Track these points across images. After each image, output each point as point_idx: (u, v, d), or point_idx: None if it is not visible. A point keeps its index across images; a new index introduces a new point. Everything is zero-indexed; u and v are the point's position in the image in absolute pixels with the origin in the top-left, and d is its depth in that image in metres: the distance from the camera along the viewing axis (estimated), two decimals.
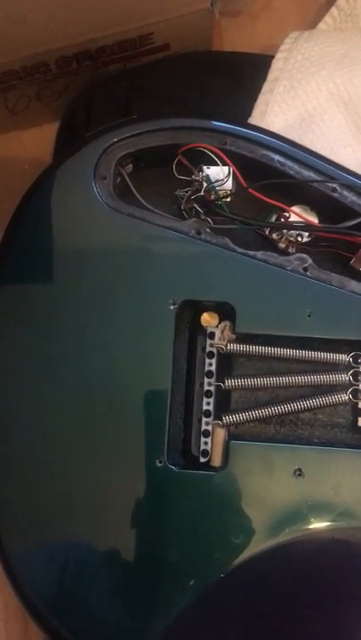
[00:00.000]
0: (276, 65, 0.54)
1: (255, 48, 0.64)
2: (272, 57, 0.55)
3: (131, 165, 0.48)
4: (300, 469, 0.42)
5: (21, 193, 0.47)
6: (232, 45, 0.66)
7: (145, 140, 0.46)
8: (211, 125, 0.45)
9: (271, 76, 0.54)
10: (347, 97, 0.52)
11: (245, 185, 0.45)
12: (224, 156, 0.45)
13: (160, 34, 0.54)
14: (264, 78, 0.54)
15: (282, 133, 0.49)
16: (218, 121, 0.46)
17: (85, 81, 0.58)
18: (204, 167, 0.46)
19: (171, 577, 0.43)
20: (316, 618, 0.43)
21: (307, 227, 0.46)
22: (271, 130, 0.50)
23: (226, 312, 0.45)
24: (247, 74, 0.56)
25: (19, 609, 0.44)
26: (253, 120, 0.53)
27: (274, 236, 0.47)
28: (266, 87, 0.54)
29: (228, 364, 0.46)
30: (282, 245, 0.47)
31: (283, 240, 0.47)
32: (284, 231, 0.47)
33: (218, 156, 0.45)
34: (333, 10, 0.62)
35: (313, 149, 0.48)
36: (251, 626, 0.43)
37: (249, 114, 0.53)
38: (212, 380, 0.45)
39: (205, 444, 0.44)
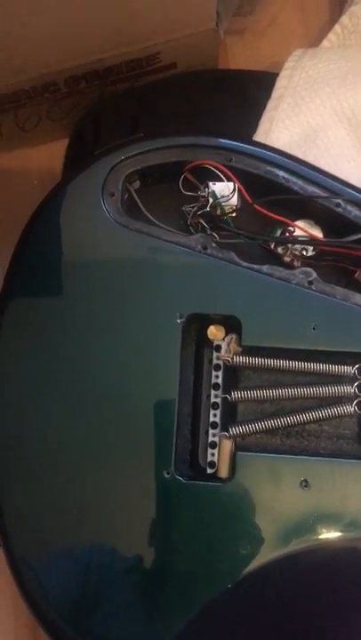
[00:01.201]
0: (281, 82, 0.55)
1: (260, 66, 0.65)
2: (277, 74, 0.56)
3: (138, 182, 0.49)
4: (306, 480, 0.43)
5: (31, 209, 0.48)
6: (237, 63, 0.68)
7: (152, 158, 0.47)
8: (216, 143, 0.46)
9: (276, 93, 0.55)
10: (350, 113, 0.53)
11: (251, 201, 0.46)
12: (229, 173, 0.46)
13: (167, 53, 0.55)
14: (269, 96, 0.55)
15: (286, 149, 0.50)
16: (223, 138, 0.47)
17: (94, 99, 0.59)
18: (210, 183, 0.47)
19: (179, 587, 0.43)
20: (326, 628, 0.44)
21: (311, 241, 0.47)
22: (276, 146, 0.51)
23: (232, 325, 0.45)
24: (252, 91, 0.57)
25: (28, 618, 0.45)
26: (258, 137, 0.54)
27: (279, 250, 0.48)
28: (270, 104, 0.55)
29: (234, 376, 0.47)
30: (287, 259, 0.48)
31: (288, 254, 0.48)
32: (289, 245, 0.48)
33: (223, 173, 0.46)
34: (337, 27, 0.63)
35: (317, 165, 0.49)
36: (259, 636, 0.44)
37: (254, 131, 0.54)
38: (219, 393, 0.46)
39: (212, 455, 0.45)
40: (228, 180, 0.46)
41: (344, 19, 0.63)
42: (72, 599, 0.44)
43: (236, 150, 0.46)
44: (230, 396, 0.45)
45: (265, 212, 0.46)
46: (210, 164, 0.46)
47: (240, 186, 0.46)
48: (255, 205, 0.46)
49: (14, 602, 0.55)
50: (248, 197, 0.46)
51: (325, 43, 0.63)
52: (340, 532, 0.43)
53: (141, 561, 0.43)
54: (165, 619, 0.43)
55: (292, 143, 0.54)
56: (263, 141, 0.53)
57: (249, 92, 0.57)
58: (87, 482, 0.44)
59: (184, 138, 0.47)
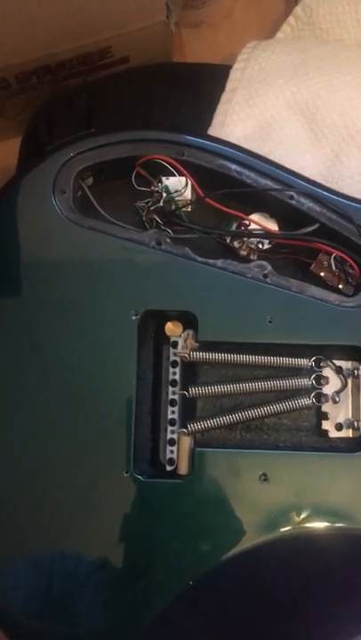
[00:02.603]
0: (234, 75, 0.55)
1: (217, 58, 0.65)
2: (231, 67, 0.56)
3: (91, 178, 0.48)
4: (265, 474, 0.43)
5: None
6: (194, 56, 0.67)
7: (104, 153, 0.47)
8: (168, 137, 0.46)
9: (229, 85, 0.55)
10: (303, 105, 0.53)
11: (202, 194, 0.46)
12: (180, 167, 0.45)
13: (118, 47, 0.55)
14: (223, 88, 0.55)
15: (241, 143, 0.50)
16: (175, 132, 0.46)
17: (46, 95, 0.58)
18: (163, 178, 0.46)
19: (142, 584, 0.43)
20: (283, 619, 0.44)
21: (266, 234, 0.47)
22: (230, 139, 0.51)
23: (189, 321, 0.45)
24: (207, 84, 0.57)
25: None
26: (213, 130, 0.53)
27: (235, 244, 0.48)
28: (224, 97, 0.54)
29: (192, 372, 0.46)
30: (243, 253, 0.48)
31: (244, 248, 0.48)
32: (245, 239, 0.47)
33: (175, 168, 0.46)
34: (291, 18, 0.63)
35: (272, 157, 0.48)
36: (223, 630, 0.44)
37: (209, 124, 0.54)
38: (177, 389, 0.45)
39: (172, 452, 0.45)
40: (180, 174, 0.46)
41: (298, 10, 0.63)
42: (39, 605, 0.43)
43: (188, 144, 0.46)
44: (188, 392, 0.45)
45: (217, 205, 0.46)
46: (161, 159, 0.46)
47: (192, 180, 0.46)
48: (207, 199, 0.46)
49: None
50: (200, 191, 0.46)
51: (280, 34, 0.63)
52: (302, 522, 0.43)
53: (105, 560, 0.43)
54: (130, 616, 0.43)
55: (247, 136, 0.53)
56: (218, 135, 0.53)
57: (203, 86, 0.57)
58: (48, 484, 0.43)
59: (136, 133, 0.46)
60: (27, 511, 0.43)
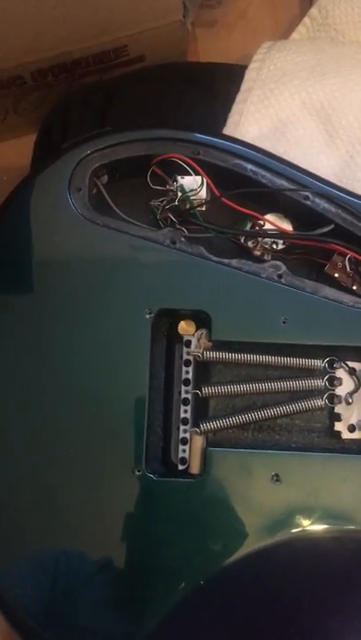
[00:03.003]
0: (250, 75, 0.55)
1: (231, 58, 0.65)
2: (246, 67, 0.56)
3: (106, 176, 0.48)
4: (277, 475, 0.43)
5: None
6: (208, 56, 0.67)
7: (119, 151, 0.47)
8: (183, 136, 0.46)
9: (245, 85, 0.55)
10: (319, 105, 0.53)
11: (218, 194, 0.46)
12: (196, 166, 0.45)
13: (134, 46, 0.55)
14: (238, 88, 0.55)
15: (256, 142, 0.50)
16: (190, 131, 0.46)
17: (62, 93, 0.58)
18: (179, 177, 0.46)
19: (152, 584, 0.43)
20: (305, 618, 0.44)
21: (280, 234, 0.47)
22: (245, 139, 0.50)
23: (202, 320, 0.45)
24: (222, 84, 0.57)
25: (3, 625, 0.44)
26: (228, 130, 0.53)
27: (249, 243, 0.48)
28: (239, 97, 0.54)
29: (205, 371, 0.46)
30: (257, 253, 0.48)
31: (258, 248, 0.48)
32: (259, 239, 0.47)
33: (191, 166, 0.46)
34: (306, 19, 0.63)
35: (287, 157, 0.48)
36: (233, 631, 0.44)
37: (224, 123, 0.54)
38: (190, 388, 0.45)
39: (184, 451, 0.45)
40: (196, 173, 0.46)
41: (313, 11, 0.63)
42: (48, 603, 0.43)
43: (204, 143, 0.46)
44: (201, 391, 0.45)
45: (233, 205, 0.46)
46: (177, 158, 0.46)
47: (208, 179, 0.46)
48: (223, 198, 0.46)
49: None
50: (216, 190, 0.46)
51: (295, 35, 0.63)
52: (313, 524, 0.43)
53: (114, 560, 0.43)
54: (140, 616, 0.43)
55: (262, 136, 0.53)
56: (232, 134, 0.53)
57: (218, 85, 0.57)
58: (58, 482, 0.43)
59: (151, 131, 0.46)
60: (35, 510, 0.43)
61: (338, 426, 0.45)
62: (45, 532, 0.43)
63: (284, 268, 0.45)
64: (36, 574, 0.43)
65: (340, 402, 0.45)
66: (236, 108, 0.54)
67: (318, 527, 0.43)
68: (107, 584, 0.43)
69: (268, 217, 0.47)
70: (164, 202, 0.47)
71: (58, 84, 0.57)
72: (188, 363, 0.46)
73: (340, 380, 0.45)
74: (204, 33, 0.67)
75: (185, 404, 0.45)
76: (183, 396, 0.45)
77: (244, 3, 0.68)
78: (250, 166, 0.46)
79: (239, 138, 0.51)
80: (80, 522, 0.43)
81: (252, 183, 0.46)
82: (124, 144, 0.47)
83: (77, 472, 0.43)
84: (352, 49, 0.59)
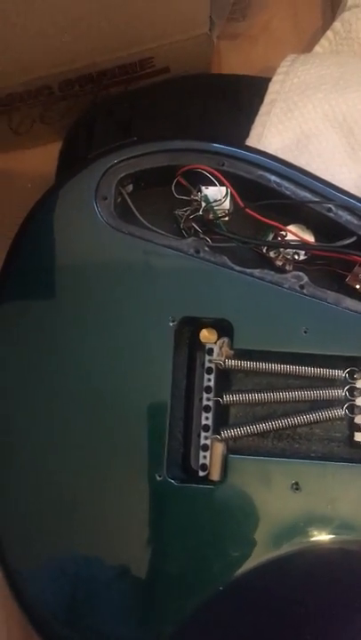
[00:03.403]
0: (273, 87, 0.56)
1: (253, 70, 0.65)
2: (269, 79, 0.56)
3: (131, 185, 0.49)
4: (296, 483, 0.43)
5: (24, 211, 0.48)
6: (231, 68, 0.68)
7: (145, 162, 0.47)
8: (208, 147, 0.47)
9: (268, 98, 0.55)
10: (342, 118, 0.54)
11: (242, 205, 0.46)
12: (221, 177, 0.46)
13: (160, 58, 0.56)
14: (261, 100, 0.56)
15: (279, 154, 0.50)
16: (215, 143, 0.47)
17: (88, 103, 0.59)
18: (203, 187, 0.47)
19: (171, 590, 0.43)
20: (318, 629, 0.44)
21: (303, 245, 0.47)
22: (268, 151, 0.51)
23: (224, 328, 0.46)
24: (245, 96, 0.57)
25: (22, 617, 0.45)
26: (251, 141, 0.54)
27: (271, 254, 0.48)
28: (263, 109, 0.55)
29: (226, 379, 0.47)
30: (279, 263, 0.48)
31: (280, 258, 0.48)
32: (281, 250, 0.48)
33: (216, 177, 0.46)
34: (329, 33, 0.64)
35: (309, 169, 0.49)
36: (253, 637, 0.44)
37: (247, 135, 0.55)
38: (211, 396, 0.46)
39: (204, 457, 0.45)
40: (221, 184, 0.47)
41: (336, 24, 0.64)
42: (67, 606, 0.44)
43: (229, 155, 0.47)
44: (222, 399, 0.45)
45: (257, 216, 0.46)
46: (202, 169, 0.46)
47: (232, 190, 0.46)
48: (247, 209, 0.46)
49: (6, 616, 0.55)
50: (240, 201, 0.46)
51: (318, 48, 0.64)
52: (331, 534, 0.43)
53: (133, 565, 0.44)
54: (158, 622, 0.43)
55: (285, 148, 0.54)
56: (256, 146, 0.53)
57: (242, 97, 0.58)
58: (81, 486, 0.44)
59: (177, 142, 0.47)
60: (55, 514, 0.44)
61: (358, 436, 0.45)
62: (66, 535, 0.44)
63: (306, 278, 0.46)
64: (60, 574, 0.43)
65: (360, 412, 0.45)
66: (259, 119, 0.55)
67: (336, 537, 0.43)
68: (126, 589, 0.44)
69: (291, 228, 0.48)
70: (188, 211, 0.48)
71: (84, 94, 0.58)
72: (209, 370, 0.46)
73: (360, 390, 0.46)
74: (227, 45, 0.68)
75: (206, 411, 0.46)
76: (205, 403, 0.46)
77: (267, 15, 0.69)
78: (274, 178, 0.47)
79: (262, 149, 0.52)
80: (100, 527, 0.44)
81: (275, 194, 0.47)
82: (149, 154, 0.47)
83: (99, 477, 0.44)
84: None
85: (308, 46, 0.67)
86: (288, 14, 0.70)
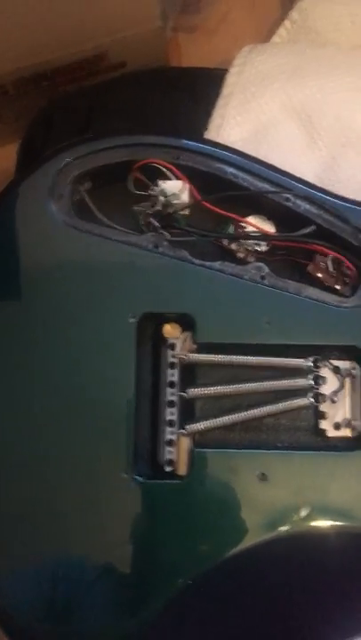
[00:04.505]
0: (231, 79, 0.56)
1: (213, 63, 0.65)
2: (227, 71, 0.56)
3: (90, 182, 0.48)
4: (263, 474, 0.43)
5: None
6: (190, 61, 0.68)
7: (101, 158, 0.47)
8: (162, 141, 0.46)
9: (226, 90, 0.55)
10: (299, 107, 0.54)
11: (199, 198, 0.46)
12: (177, 171, 0.46)
13: (115, 52, 0.55)
14: (220, 92, 0.55)
15: (238, 146, 0.50)
16: (170, 136, 0.47)
17: (44, 101, 0.58)
18: (160, 182, 0.47)
19: (144, 584, 0.43)
20: (289, 617, 0.44)
21: (262, 236, 0.47)
22: (227, 143, 0.51)
23: (187, 323, 0.45)
24: (203, 88, 0.57)
25: None
26: (210, 134, 0.54)
27: (232, 246, 0.48)
28: (221, 101, 0.55)
29: (191, 373, 0.47)
30: (241, 255, 0.48)
31: (241, 250, 0.48)
32: (242, 241, 0.48)
33: (172, 171, 0.46)
34: (286, 22, 0.63)
35: (269, 160, 0.49)
36: (224, 631, 0.44)
37: (206, 128, 0.55)
38: (175, 390, 0.46)
39: (170, 453, 0.45)
40: (178, 178, 0.46)
41: (293, 14, 0.63)
42: (43, 609, 0.43)
43: (184, 148, 0.46)
44: (186, 393, 0.45)
45: (214, 208, 0.46)
46: (157, 163, 0.46)
47: (189, 183, 0.46)
48: (203, 202, 0.46)
49: None
50: (197, 194, 0.46)
51: (276, 38, 0.64)
52: (299, 522, 0.43)
53: (106, 562, 0.43)
54: (132, 618, 0.43)
55: (244, 139, 0.54)
56: (215, 138, 0.53)
57: (200, 90, 0.57)
58: (51, 488, 0.44)
59: (132, 137, 0.47)
60: (27, 515, 0.44)
61: (323, 424, 0.45)
62: (39, 536, 0.44)
63: (266, 269, 0.46)
64: (31, 579, 0.43)
65: (325, 400, 0.45)
66: (217, 112, 0.55)
67: (306, 524, 0.43)
68: (101, 587, 0.43)
69: (250, 219, 0.48)
70: (147, 206, 0.47)
71: (39, 92, 0.57)
72: (173, 365, 0.46)
73: (324, 378, 0.46)
74: (186, 38, 0.68)
75: (171, 406, 0.45)
76: (169, 398, 0.46)
77: (224, 7, 0.69)
78: (230, 170, 0.47)
79: (221, 142, 0.51)
80: (74, 525, 0.44)
81: (233, 186, 0.47)
82: (106, 150, 0.47)
83: (70, 477, 0.44)
84: (332, 51, 0.60)
85: (267, 37, 0.67)
86: (246, 5, 0.70)
